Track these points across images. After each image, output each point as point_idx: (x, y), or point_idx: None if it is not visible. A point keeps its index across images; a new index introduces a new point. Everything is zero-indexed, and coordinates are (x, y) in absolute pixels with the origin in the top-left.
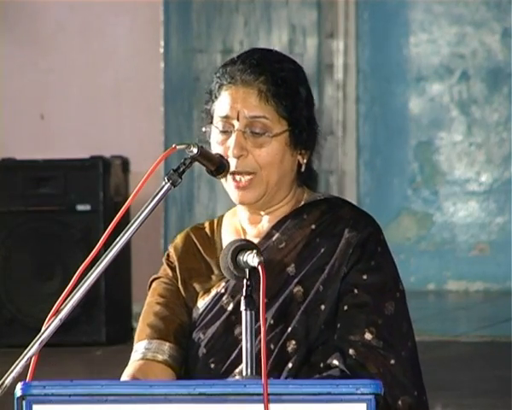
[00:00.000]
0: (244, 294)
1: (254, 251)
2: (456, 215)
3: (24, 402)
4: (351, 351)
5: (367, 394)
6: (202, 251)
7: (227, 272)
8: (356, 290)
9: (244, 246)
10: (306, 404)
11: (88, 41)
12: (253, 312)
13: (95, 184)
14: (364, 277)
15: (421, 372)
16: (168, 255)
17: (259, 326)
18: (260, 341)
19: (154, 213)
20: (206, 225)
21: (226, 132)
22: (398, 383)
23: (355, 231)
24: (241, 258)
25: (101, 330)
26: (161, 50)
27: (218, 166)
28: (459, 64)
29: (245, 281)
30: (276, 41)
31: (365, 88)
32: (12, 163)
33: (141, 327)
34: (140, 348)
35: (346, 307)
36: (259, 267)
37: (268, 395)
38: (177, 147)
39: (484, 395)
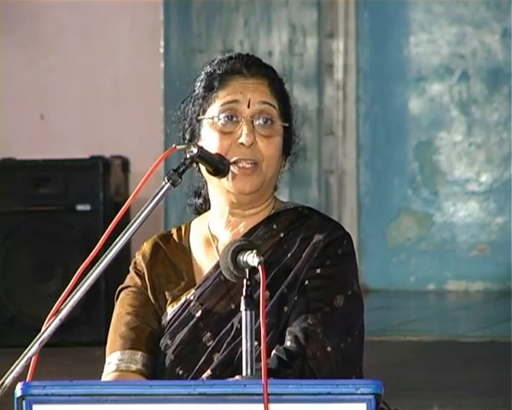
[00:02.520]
0: (244, 294)
1: (254, 251)
2: (456, 215)
3: (24, 402)
4: (289, 337)
5: (367, 394)
6: (171, 258)
7: (227, 272)
8: (307, 282)
9: (244, 246)
10: (306, 404)
11: (88, 41)
12: (253, 312)
13: (95, 184)
14: (318, 271)
15: (351, 373)
16: (136, 263)
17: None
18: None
19: (154, 213)
20: (174, 231)
21: (231, 120)
22: (332, 372)
23: (322, 235)
24: (241, 258)
25: (101, 330)
26: (161, 50)
27: (218, 167)
28: (459, 64)
29: (245, 281)
30: (276, 41)
31: (365, 88)
32: (12, 163)
33: (112, 338)
34: (113, 359)
35: (296, 298)
36: (259, 267)
37: (268, 395)
38: (177, 147)
39: (484, 395)
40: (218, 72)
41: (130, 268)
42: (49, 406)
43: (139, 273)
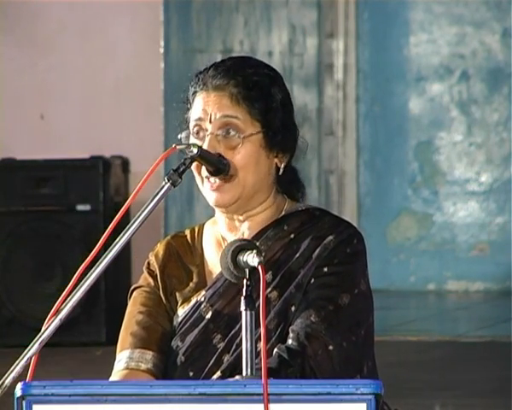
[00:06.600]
0: (244, 294)
1: (254, 251)
2: (456, 215)
3: (24, 402)
4: (292, 335)
5: (367, 394)
6: (184, 259)
7: (227, 272)
8: (313, 280)
9: (244, 246)
10: (306, 404)
11: (88, 41)
12: (253, 312)
13: (95, 184)
14: (325, 269)
15: (355, 373)
16: (149, 264)
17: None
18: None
19: (154, 213)
20: (187, 233)
21: (199, 137)
22: (334, 371)
23: (332, 236)
24: (241, 258)
25: (101, 330)
26: (161, 50)
27: (218, 167)
28: (459, 64)
29: (245, 281)
30: (276, 41)
31: (365, 88)
32: (12, 163)
33: (123, 337)
34: (123, 357)
35: (301, 296)
36: (259, 267)
37: (268, 395)
38: (177, 147)
39: (484, 395)
40: (192, 88)
41: (144, 268)
42: (49, 406)
43: (152, 274)
